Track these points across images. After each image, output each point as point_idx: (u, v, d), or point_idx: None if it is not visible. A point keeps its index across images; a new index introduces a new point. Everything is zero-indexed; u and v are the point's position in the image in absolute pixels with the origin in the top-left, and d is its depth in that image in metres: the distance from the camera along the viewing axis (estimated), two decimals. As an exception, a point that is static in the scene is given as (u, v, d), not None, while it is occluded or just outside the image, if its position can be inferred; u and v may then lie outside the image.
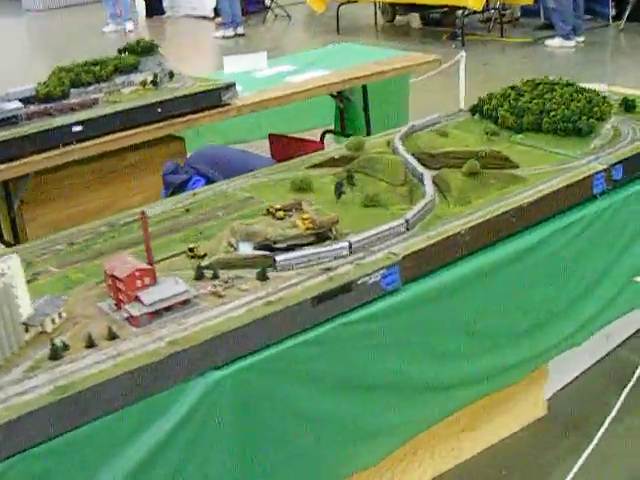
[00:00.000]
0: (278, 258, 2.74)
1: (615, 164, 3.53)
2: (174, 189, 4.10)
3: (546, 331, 3.41)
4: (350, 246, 2.86)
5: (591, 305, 3.58)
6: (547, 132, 3.81)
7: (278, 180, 3.60)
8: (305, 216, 2.92)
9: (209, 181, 4.06)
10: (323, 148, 5.82)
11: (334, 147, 4.10)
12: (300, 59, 6.31)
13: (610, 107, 3.85)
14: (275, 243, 2.89)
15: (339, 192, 3.32)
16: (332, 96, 6.28)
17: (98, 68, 5.37)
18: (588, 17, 12.35)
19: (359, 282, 2.75)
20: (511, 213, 3.17)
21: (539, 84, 4.12)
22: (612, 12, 12.48)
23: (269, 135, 6.25)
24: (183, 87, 5.28)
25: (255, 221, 3.02)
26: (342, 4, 13.48)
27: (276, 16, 15.46)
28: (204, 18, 15.26)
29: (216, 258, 2.87)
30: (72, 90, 5.24)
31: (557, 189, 3.33)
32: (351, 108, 6.47)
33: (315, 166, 3.72)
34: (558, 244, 3.32)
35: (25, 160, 4.65)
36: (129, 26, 14.99)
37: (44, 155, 4.71)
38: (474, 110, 4.14)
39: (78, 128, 4.79)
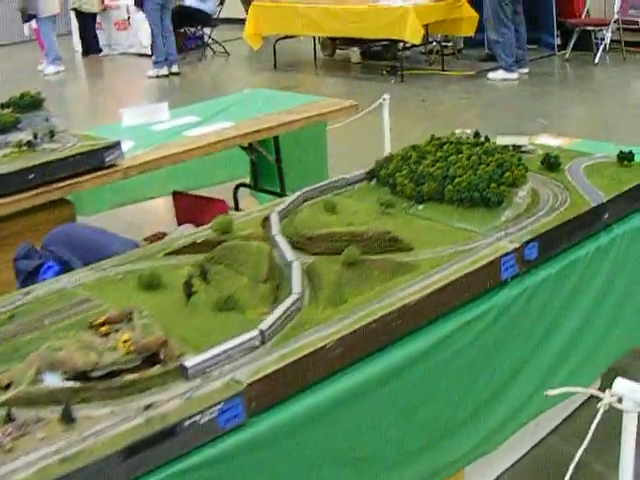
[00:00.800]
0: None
1: (528, 242, 3.00)
2: (25, 277, 3.46)
3: (448, 444, 2.86)
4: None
5: (503, 408, 3.02)
6: (450, 202, 3.23)
7: (127, 273, 2.99)
8: (125, 337, 2.32)
9: (65, 268, 3.42)
10: (227, 209, 5.23)
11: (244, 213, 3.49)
12: (206, 109, 5.75)
13: (524, 170, 3.29)
14: (91, 372, 2.26)
15: (188, 292, 2.72)
16: (242, 148, 5.67)
17: (-29, 127, 4.71)
18: (533, 47, 11.89)
19: (187, 423, 2.15)
20: (394, 315, 2.60)
21: (445, 143, 3.54)
22: (557, 41, 12.01)
23: (173, 193, 5.70)
24: (62, 148, 4.66)
25: (68, 342, 2.40)
26: (279, 39, 12.94)
27: (214, 52, 14.89)
28: (142, 55, 14.64)
29: (16, 392, 2.26)
30: (-61, 153, 4.56)
31: (455, 278, 2.79)
32: (263, 160, 5.89)
33: (173, 253, 3.10)
34: (460, 343, 2.80)
35: None
36: (51, 69, 14.35)
37: None
38: (371, 175, 3.55)
39: None
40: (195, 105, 6.09)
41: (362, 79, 11.48)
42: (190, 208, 5.53)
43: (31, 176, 4.41)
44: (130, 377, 2.32)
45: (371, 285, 2.77)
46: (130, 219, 6.31)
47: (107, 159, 4.62)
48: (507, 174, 3.25)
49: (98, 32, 16.50)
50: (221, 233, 3.16)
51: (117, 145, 4.66)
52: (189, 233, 3.28)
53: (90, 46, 16.42)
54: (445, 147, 3.54)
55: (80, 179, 4.57)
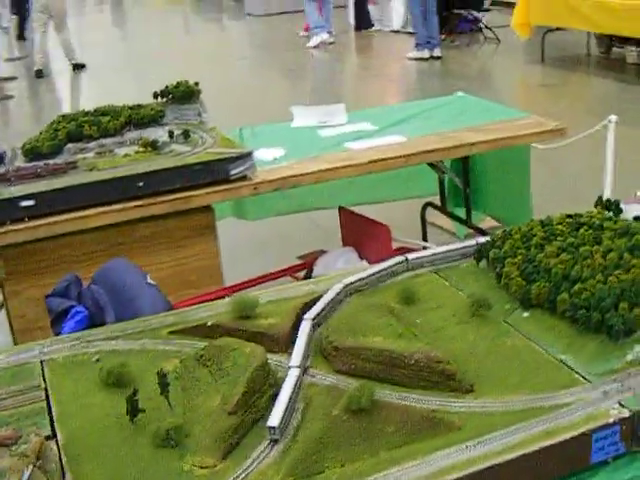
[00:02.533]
0: None
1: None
2: (55, 317, 2.86)
3: None
4: None
5: None
6: (563, 317, 2.20)
7: (108, 354, 2.33)
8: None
9: (93, 316, 2.77)
10: (388, 236, 4.38)
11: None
12: (390, 114, 4.86)
13: None
14: None
15: (132, 411, 1.97)
16: (429, 165, 4.77)
17: (107, 119, 4.19)
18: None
19: None
20: None
21: (583, 224, 2.49)
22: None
23: (339, 208, 4.87)
24: (189, 153, 4.00)
25: None
26: (549, 30, 11.59)
27: (486, 38, 13.75)
28: (412, 34, 13.81)
29: None
30: (69, 146, 4.09)
31: (510, 459, 1.77)
32: (451, 180, 4.95)
33: (179, 332, 2.34)
34: None
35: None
36: (322, 37, 13.95)
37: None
38: (479, 255, 2.58)
39: (28, 203, 3.64)
40: (380, 108, 5.22)
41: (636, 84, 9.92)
42: (354, 227, 4.73)
43: (140, 184, 3.77)
44: None
45: (375, 448, 1.84)
46: (293, 230, 5.61)
47: (233, 171, 3.91)
48: (655, 289, 2.17)
49: (370, 7, 16.06)
50: (238, 317, 2.34)
51: (248, 156, 3.95)
52: (208, 308, 2.47)
53: (361, 20, 15.94)
54: (582, 230, 2.48)
55: (196, 192, 3.89)
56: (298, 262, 4.76)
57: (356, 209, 5.06)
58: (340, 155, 4.25)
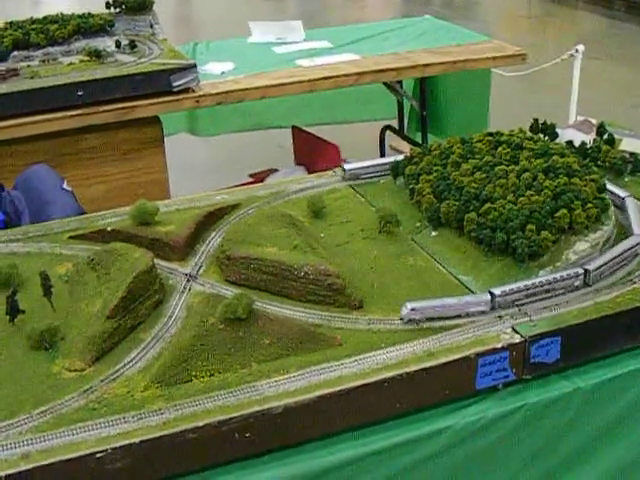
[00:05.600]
0: None
1: (543, 335, 1.90)
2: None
3: None
4: None
5: None
6: (469, 238, 2.14)
7: (7, 255, 2.23)
8: None
9: (10, 221, 2.71)
10: (338, 157, 4.30)
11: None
12: (348, 33, 4.76)
13: (600, 210, 2.14)
14: None
15: (12, 311, 1.91)
16: (386, 85, 4.67)
17: (55, 27, 4.07)
18: None
19: None
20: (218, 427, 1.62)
21: (502, 143, 2.42)
22: None
23: (292, 128, 4.78)
24: (133, 64, 3.89)
25: None
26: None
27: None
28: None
29: None
30: (15, 53, 3.99)
31: (386, 378, 1.75)
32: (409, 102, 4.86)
33: (78, 238, 2.28)
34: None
35: None
36: None
37: None
38: (396, 171, 2.51)
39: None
40: (339, 27, 5.10)
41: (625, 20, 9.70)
42: (306, 147, 4.65)
43: (79, 92, 3.67)
44: None
45: (247, 359, 1.79)
46: (246, 148, 5.51)
47: (175, 83, 3.80)
48: (562, 212, 2.10)
49: None
50: (137, 223, 2.27)
51: (191, 68, 3.84)
52: (113, 214, 2.40)
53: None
54: (500, 149, 2.40)
55: (139, 103, 3.78)
56: (249, 180, 4.69)
57: (315, 130, 4.97)
58: (289, 71, 4.15)
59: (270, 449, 1.72)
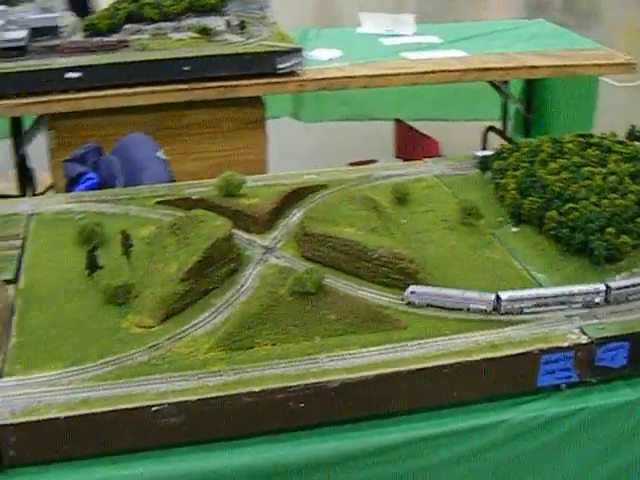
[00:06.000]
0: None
1: (610, 339, 1.87)
2: (69, 182, 2.91)
3: None
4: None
5: None
6: (548, 236, 2.13)
7: (94, 214, 2.37)
8: None
9: (104, 186, 2.82)
10: (437, 152, 4.30)
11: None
12: (458, 31, 4.73)
13: None
14: None
15: (91, 265, 1.99)
16: (492, 85, 4.65)
17: (169, 3, 4.19)
18: None
19: None
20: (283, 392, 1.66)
21: (592, 145, 2.39)
22: None
23: (395, 120, 4.79)
24: (240, 44, 3.97)
25: None
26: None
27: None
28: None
29: None
30: (127, 26, 4.11)
31: (447, 364, 1.77)
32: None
33: (164, 203, 2.35)
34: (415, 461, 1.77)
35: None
36: None
37: (25, 100, 3.66)
38: (484, 165, 2.51)
39: (74, 74, 3.68)
40: (450, 24, 5.08)
41: None
42: (407, 140, 4.66)
43: (186, 68, 3.76)
44: None
45: (311, 333, 1.82)
46: (348, 136, 5.54)
47: (280, 65, 3.85)
48: (647, 217, 2.07)
49: None
50: (223, 194, 2.33)
51: (297, 52, 3.89)
52: (201, 184, 2.47)
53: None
54: (589, 151, 2.38)
55: (242, 82, 3.84)
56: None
57: (418, 125, 4.98)
58: (394, 63, 4.16)
59: (322, 422, 1.73)
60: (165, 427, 1.65)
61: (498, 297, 1.90)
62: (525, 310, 1.91)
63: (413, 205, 2.42)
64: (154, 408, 1.64)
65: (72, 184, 2.93)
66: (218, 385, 1.70)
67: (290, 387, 1.70)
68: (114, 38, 4.04)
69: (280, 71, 3.89)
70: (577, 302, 1.92)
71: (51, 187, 4.25)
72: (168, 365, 1.75)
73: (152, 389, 1.68)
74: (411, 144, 4.68)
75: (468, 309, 1.91)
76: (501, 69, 4.14)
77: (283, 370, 1.74)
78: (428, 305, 1.91)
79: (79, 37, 4.13)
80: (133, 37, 4.10)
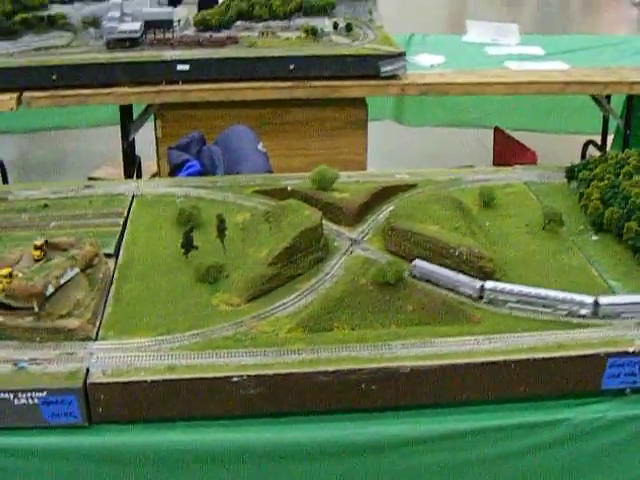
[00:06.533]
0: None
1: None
2: (173, 168, 3.08)
3: None
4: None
5: None
6: (627, 245, 2.20)
7: (193, 199, 2.51)
8: (5, 272, 1.83)
9: (205, 173, 2.98)
10: (535, 162, 4.35)
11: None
12: (562, 43, 4.77)
13: None
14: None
15: (187, 245, 2.14)
16: (594, 99, 4.67)
17: (278, 3, 4.36)
18: None
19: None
20: (357, 375, 1.77)
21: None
22: None
23: (494, 128, 4.86)
24: (346, 45, 4.10)
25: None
26: None
27: None
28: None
29: None
30: (238, 23, 4.29)
31: (515, 360, 1.84)
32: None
33: (261, 193, 2.50)
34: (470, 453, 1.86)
35: (109, 90, 3.86)
36: None
37: (136, 89, 3.87)
38: (571, 175, 2.58)
39: (185, 67, 3.87)
40: (554, 36, 5.11)
41: None
42: (505, 148, 4.72)
43: (291, 66, 3.92)
44: (-1, 318, 1.83)
45: (389, 321, 1.93)
46: (447, 142, 5.61)
47: (384, 69, 3.97)
48: None
49: None
50: (317, 187, 2.46)
51: (400, 56, 4.00)
52: (297, 177, 2.61)
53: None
54: (679, 165, 2.42)
55: (346, 83, 3.97)
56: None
57: (518, 135, 5.02)
58: (495, 72, 4.22)
59: (389, 406, 1.83)
60: (243, 398, 1.77)
61: (482, 286, 1.97)
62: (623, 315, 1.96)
63: (498, 209, 2.49)
64: (234, 379, 1.76)
65: (175, 170, 3.07)
66: (296, 362, 1.81)
67: (363, 369, 1.80)
68: (224, 34, 4.18)
69: (383, 74, 3.98)
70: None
71: (156, 174, 4.44)
72: (250, 341, 1.86)
73: (234, 361, 1.80)
74: (509, 153, 4.72)
75: (458, 292, 1.99)
76: (602, 83, 4.16)
77: (358, 353, 1.84)
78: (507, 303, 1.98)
79: (190, 31, 4.28)
80: (242, 34, 4.25)
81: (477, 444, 1.85)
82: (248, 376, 1.77)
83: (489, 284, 1.98)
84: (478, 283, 1.98)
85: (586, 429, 1.87)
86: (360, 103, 4.28)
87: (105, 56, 3.97)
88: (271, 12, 4.41)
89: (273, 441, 1.80)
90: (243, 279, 2.06)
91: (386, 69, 3.99)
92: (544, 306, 1.95)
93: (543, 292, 1.96)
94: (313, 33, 4.16)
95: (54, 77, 3.84)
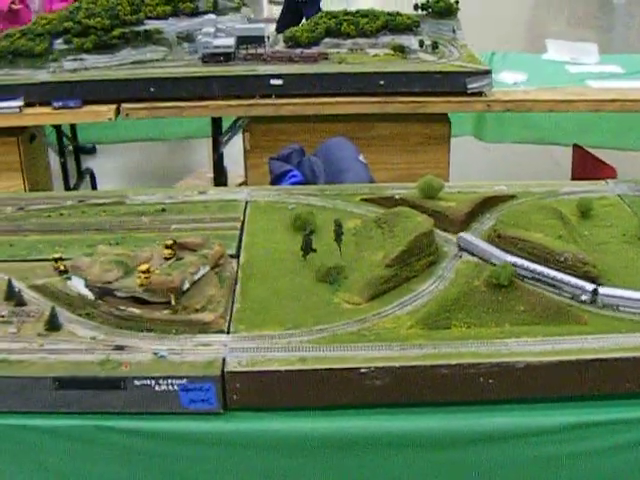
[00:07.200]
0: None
1: None
2: (274, 178, 3.25)
3: None
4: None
5: None
6: None
7: (304, 206, 2.66)
8: (144, 267, 2.00)
9: (306, 183, 3.14)
10: (614, 176, 4.45)
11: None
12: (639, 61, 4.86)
13: None
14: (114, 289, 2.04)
15: (306, 248, 2.30)
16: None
17: (365, 21, 4.54)
18: None
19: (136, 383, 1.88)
20: (481, 369, 1.90)
21: None
22: None
23: (573, 146, 4.97)
24: (433, 62, 4.26)
25: (109, 251, 2.16)
26: None
27: None
28: None
29: (43, 282, 2.13)
30: (326, 40, 4.48)
31: (620, 358, 1.97)
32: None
33: (367, 200, 2.65)
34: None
35: (205, 103, 4.05)
36: None
37: (229, 102, 4.06)
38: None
39: (277, 82, 4.05)
40: (634, 55, 5.20)
41: None
42: (584, 165, 4.82)
43: (381, 82, 4.08)
44: (135, 311, 1.99)
45: (502, 320, 2.06)
46: (524, 159, 5.71)
47: (470, 85, 4.11)
48: None
49: None
50: (423, 196, 2.60)
51: (486, 74, 4.14)
52: (402, 187, 2.75)
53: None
54: None
55: (433, 99, 4.12)
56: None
57: (597, 153, 5.11)
58: (578, 89, 4.32)
59: (505, 398, 1.95)
60: (371, 388, 1.91)
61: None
62: None
63: (595, 219, 2.61)
64: (362, 370, 1.90)
65: (277, 180, 3.23)
66: (418, 356, 1.94)
67: (482, 364, 1.92)
68: (314, 50, 4.34)
69: (470, 91, 4.11)
70: None
71: (242, 185, 4.61)
72: (375, 336, 2.00)
73: (360, 354, 1.94)
74: (588, 169, 4.81)
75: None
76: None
77: (476, 348, 1.97)
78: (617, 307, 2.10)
79: (281, 47, 4.46)
80: (332, 50, 4.41)
81: (585, 437, 1.96)
82: (375, 368, 1.90)
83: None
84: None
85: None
86: (444, 119, 4.41)
87: (200, 70, 4.13)
88: (358, 29, 4.56)
89: (397, 430, 1.93)
90: (362, 280, 2.19)
91: (473, 86, 4.11)
92: None
93: None
94: (400, 50, 4.30)
95: (152, 89, 4.02)
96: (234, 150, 4.76)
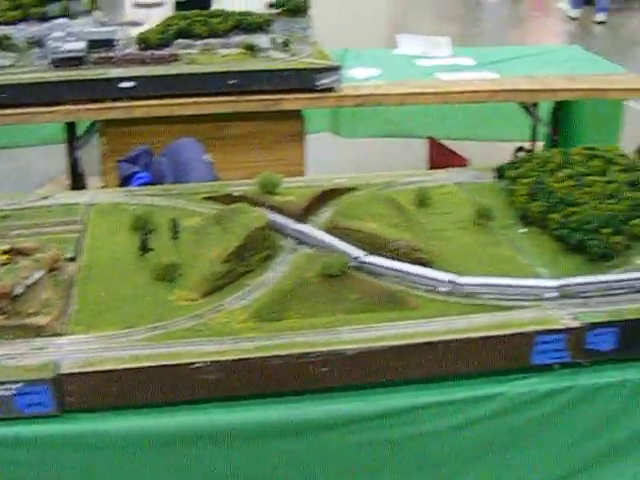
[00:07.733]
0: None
1: (598, 324, 2.10)
2: (122, 180, 3.22)
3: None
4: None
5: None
6: (552, 237, 2.40)
7: (145, 206, 2.64)
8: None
9: (155, 182, 3.13)
10: (465, 164, 4.57)
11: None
12: (492, 54, 5.00)
13: None
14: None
15: (142, 247, 2.30)
16: (522, 107, 4.91)
17: (217, 21, 4.52)
18: None
19: None
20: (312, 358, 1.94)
21: (595, 157, 2.65)
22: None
23: (428, 138, 5.08)
24: (283, 60, 4.29)
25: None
26: None
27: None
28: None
29: None
30: (178, 41, 4.44)
31: (451, 339, 2.01)
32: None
33: (211, 199, 2.65)
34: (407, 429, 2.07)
35: (56, 108, 3.98)
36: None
37: (81, 106, 3.99)
38: (500, 174, 2.78)
39: (128, 84, 4.00)
40: (485, 47, 5.36)
41: None
42: (438, 156, 4.94)
43: (231, 81, 4.08)
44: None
45: (335, 309, 2.10)
46: (383, 153, 5.82)
47: (319, 82, 4.15)
48: (638, 221, 2.33)
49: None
50: (263, 191, 2.62)
51: (335, 70, 4.19)
52: (243, 183, 2.76)
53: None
54: (593, 161, 2.64)
55: (284, 96, 4.15)
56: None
57: (451, 144, 5.24)
58: (428, 82, 4.43)
59: (340, 386, 2.00)
60: (206, 382, 1.93)
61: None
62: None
63: (433, 207, 2.68)
64: (196, 364, 1.92)
65: (125, 182, 3.22)
66: (251, 349, 1.97)
67: (312, 353, 1.97)
68: (165, 52, 4.33)
69: (319, 87, 4.16)
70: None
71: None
72: (209, 331, 2.03)
73: (194, 350, 1.96)
74: (442, 161, 4.94)
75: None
76: (527, 91, 4.39)
77: (308, 338, 2.01)
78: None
79: (132, 50, 4.43)
80: (183, 51, 4.41)
81: (413, 420, 2.02)
82: (210, 362, 1.92)
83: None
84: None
85: (519, 402, 2.05)
86: (297, 115, 4.46)
87: (51, 75, 4.07)
88: (210, 30, 4.57)
89: (236, 423, 1.96)
90: (198, 276, 2.21)
91: (322, 82, 4.16)
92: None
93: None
94: (251, 49, 4.33)
95: (3, 96, 3.94)
96: (96, 155, 4.69)
